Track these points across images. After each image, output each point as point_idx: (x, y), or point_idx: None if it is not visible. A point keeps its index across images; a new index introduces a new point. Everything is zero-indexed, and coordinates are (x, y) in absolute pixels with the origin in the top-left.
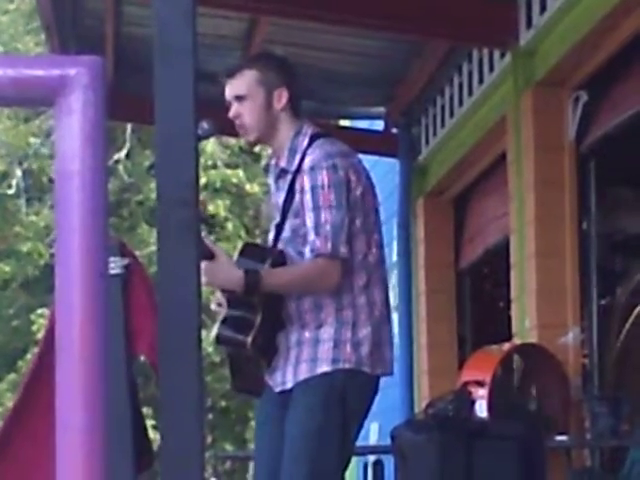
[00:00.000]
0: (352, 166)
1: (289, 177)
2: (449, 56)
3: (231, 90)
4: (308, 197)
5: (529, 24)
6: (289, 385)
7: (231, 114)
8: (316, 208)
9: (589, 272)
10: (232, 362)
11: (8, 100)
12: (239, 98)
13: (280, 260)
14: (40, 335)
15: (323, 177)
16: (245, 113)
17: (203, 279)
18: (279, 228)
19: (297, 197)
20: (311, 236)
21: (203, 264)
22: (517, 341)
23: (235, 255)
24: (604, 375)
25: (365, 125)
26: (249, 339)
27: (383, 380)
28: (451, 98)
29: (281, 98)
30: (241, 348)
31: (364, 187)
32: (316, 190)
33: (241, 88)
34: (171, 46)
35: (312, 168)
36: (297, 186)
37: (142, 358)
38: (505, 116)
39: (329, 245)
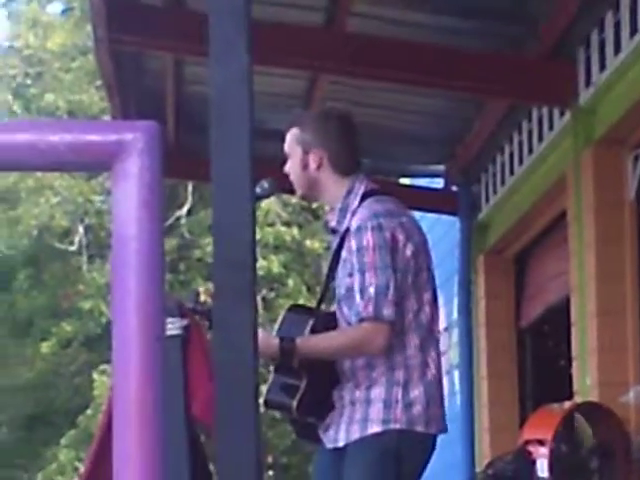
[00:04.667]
0: (400, 225)
1: (338, 237)
2: (509, 114)
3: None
4: (355, 259)
5: (588, 82)
6: (341, 443)
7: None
8: (361, 270)
9: None
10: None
11: (66, 165)
12: (287, 154)
13: (327, 320)
14: (103, 395)
15: (368, 238)
16: (290, 170)
17: None
18: (325, 288)
19: (348, 257)
20: (357, 299)
21: None
22: (578, 399)
23: (281, 315)
24: None
25: (425, 183)
26: (294, 403)
27: (443, 438)
28: (511, 156)
29: (315, 159)
30: (288, 412)
31: (415, 246)
32: (361, 252)
33: (286, 145)
34: (227, 107)
35: (358, 228)
36: (346, 246)
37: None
38: (565, 174)
39: (371, 309)
